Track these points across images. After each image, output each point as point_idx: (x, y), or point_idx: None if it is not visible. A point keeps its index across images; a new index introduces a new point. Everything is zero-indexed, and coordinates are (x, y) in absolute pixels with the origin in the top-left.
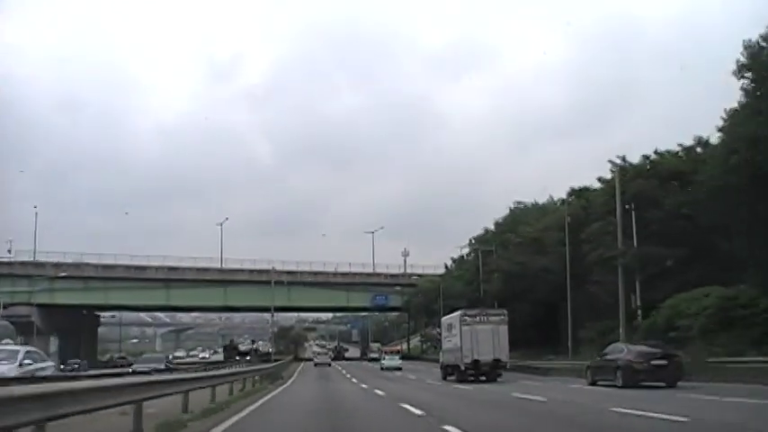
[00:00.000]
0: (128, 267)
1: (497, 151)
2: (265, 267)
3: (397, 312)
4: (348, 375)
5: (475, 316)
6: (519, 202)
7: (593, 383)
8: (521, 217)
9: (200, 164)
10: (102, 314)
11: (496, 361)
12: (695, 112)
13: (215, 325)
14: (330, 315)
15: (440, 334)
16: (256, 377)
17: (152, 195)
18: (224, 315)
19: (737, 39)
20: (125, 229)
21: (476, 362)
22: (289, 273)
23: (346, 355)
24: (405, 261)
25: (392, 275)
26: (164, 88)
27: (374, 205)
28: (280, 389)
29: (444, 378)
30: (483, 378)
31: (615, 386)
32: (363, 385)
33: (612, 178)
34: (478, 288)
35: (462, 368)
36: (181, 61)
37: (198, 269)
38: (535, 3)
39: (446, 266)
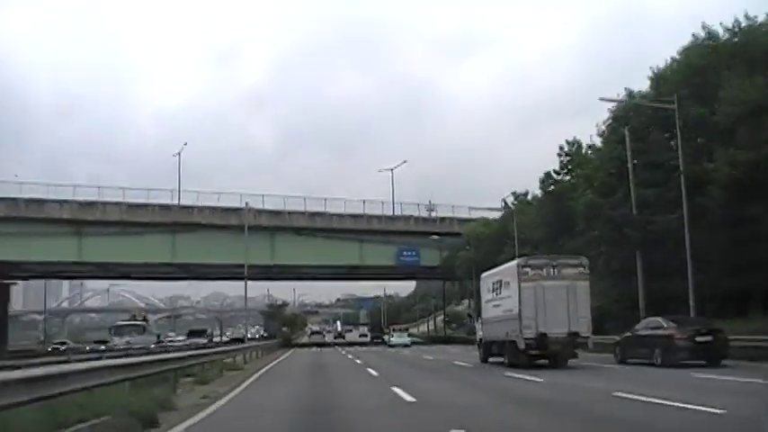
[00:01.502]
0: (13, 201)
1: (502, 134)
2: (235, 205)
3: (420, 282)
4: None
5: (540, 267)
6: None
7: (623, 362)
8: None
9: (200, 150)
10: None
11: (572, 336)
12: None
13: (212, 310)
14: (334, 299)
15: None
16: None
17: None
18: (226, 300)
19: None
20: None
21: (542, 336)
22: (271, 213)
23: (347, 336)
24: (430, 216)
25: (425, 220)
26: (164, 73)
27: (378, 189)
28: None
29: (485, 360)
30: (544, 361)
31: (653, 365)
32: None
33: None
34: (627, 199)
35: (522, 346)
36: (182, 46)
37: (128, 206)
38: None
39: (506, 204)
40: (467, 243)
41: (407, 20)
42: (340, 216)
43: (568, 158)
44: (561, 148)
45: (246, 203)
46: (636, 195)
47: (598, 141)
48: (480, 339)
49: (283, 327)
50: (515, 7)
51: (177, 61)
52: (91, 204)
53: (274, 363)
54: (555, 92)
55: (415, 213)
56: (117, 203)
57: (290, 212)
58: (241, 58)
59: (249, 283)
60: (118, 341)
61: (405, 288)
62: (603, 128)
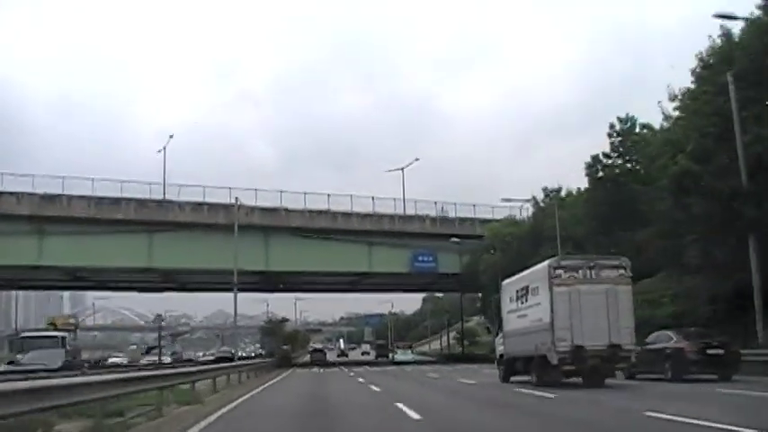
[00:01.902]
0: None
1: (503, 152)
2: (223, 201)
3: (440, 294)
4: None
5: (575, 269)
6: None
7: (632, 377)
8: None
9: (199, 170)
10: None
11: (613, 348)
12: None
13: (211, 327)
14: (337, 317)
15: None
16: None
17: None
18: (228, 319)
19: None
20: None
21: (578, 349)
22: (265, 211)
23: (350, 355)
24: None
25: (443, 220)
26: (164, 92)
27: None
28: None
29: (506, 379)
30: (577, 379)
31: (662, 380)
32: None
33: None
34: (731, 166)
35: (555, 361)
36: (182, 65)
37: (97, 201)
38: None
39: (535, 200)
40: (491, 246)
41: (406, 38)
42: (346, 215)
43: (620, 139)
44: (612, 126)
45: (236, 198)
46: (746, 159)
47: (670, 107)
48: (501, 356)
49: (284, 345)
50: (515, 24)
51: (179, 80)
52: (54, 198)
53: (256, 391)
54: (557, 108)
55: (432, 213)
56: (85, 197)
57: (286, 210)
58: (240, 77)
59: (248, 297)
60: (18, 359)
61: (411, 305)
62: (677, 92)
